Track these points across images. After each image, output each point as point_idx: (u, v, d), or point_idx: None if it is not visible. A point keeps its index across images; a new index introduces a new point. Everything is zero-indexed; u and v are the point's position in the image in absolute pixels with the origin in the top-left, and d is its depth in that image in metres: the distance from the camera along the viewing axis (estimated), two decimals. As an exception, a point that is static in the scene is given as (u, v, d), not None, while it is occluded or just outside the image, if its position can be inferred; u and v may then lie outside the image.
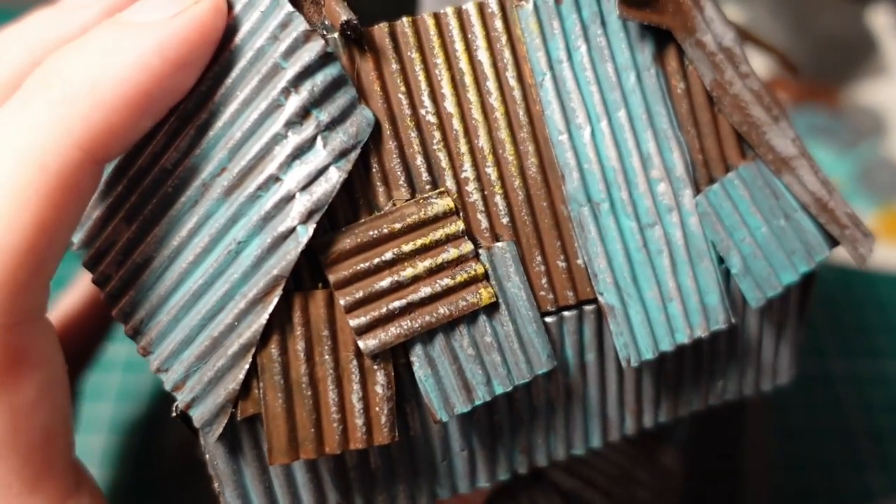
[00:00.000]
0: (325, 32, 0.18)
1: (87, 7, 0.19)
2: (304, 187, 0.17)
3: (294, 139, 0.17)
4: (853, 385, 0.42)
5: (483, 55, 0.19)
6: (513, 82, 0.19)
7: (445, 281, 0.18)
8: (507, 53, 0.19)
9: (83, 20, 0.18)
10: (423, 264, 0.18)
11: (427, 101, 0.19)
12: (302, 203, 0.17)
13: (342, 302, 0.18)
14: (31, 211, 0.15)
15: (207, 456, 0.18)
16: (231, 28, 0.18)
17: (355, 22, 0.18)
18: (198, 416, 0.18)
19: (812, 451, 0.39)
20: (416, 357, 0.18)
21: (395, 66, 0.18)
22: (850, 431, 0.40)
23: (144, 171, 0.18)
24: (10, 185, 0.15)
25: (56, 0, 0.20)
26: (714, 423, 0.35)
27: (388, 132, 0.18)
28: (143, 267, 0.18)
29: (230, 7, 0.18)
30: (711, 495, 0.35)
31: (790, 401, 0.41)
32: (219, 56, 0.18)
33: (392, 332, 0.18)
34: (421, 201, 0.19)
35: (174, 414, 0.18)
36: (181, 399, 0.18)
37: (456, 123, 0.19)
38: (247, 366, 0.17)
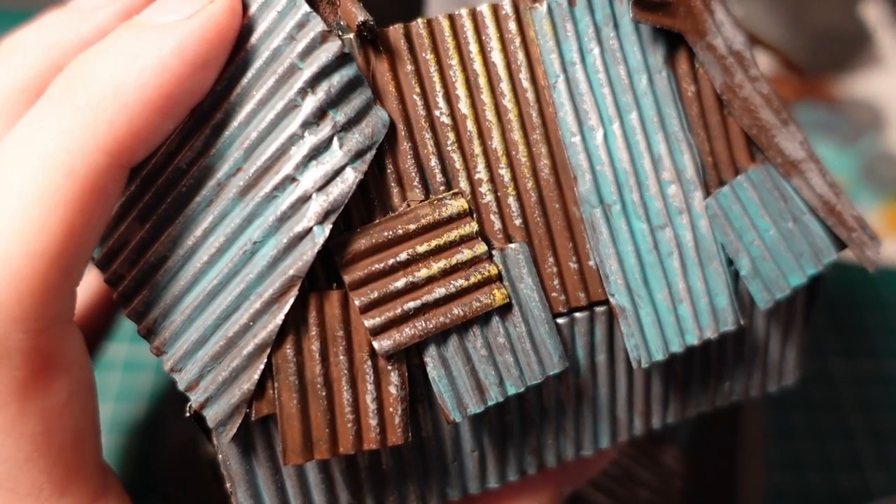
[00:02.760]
0: (340, 33, 0.18)
1: (102, 8, 0.18)
2: (321, 188, 0.17)
3: (310, 139, 0.17)
4: (853, 385, 0.42)
5: (497, 57, 0.19)
6: (526, 84, 0.19)
7: (459, 282, 0.18)
8: (520, 55, 0.19)
9: (99, 22, 0.18)
10: (437, 265, 0.18)
11: (441, 103, 0.19)
12: (318, 203, 0.17)
13: (357, 302, 0.18)
14: (60, 216, 0.15)
15: (220, 456, 0.18)
16: (247, 28, 0.18)
17: (372, 23, 0.18)
18: (211, 416, 0.18)
19: (812, 451, 0.39)
20: (430, 357, 0.18)
21: (409, 67, 0.19)
22: (850, 431, 0.40)
23: (158, 170, 0.18)
24: (39, 191, 0.15)
25: (67, 0, 0.20)
26: (712, 423, 0.35)
27: (403, 133, 0.18)
28: (156, 266, 0.18)
29: (245, 7, 0.18)
30: (711, 494, 0.36)
31: (790, 401, 0.41)
32: (234, 56, 0.18)
33: (406, 332, 0.18)
34: (435, 202, 0.19)
35: (187, 414, 0.18)
36: (195, 399, 0.18)
37: (470, 125, 0.19)
38: (262, 366, 0.17)
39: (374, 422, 0.18)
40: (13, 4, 0.51)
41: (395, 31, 0.18)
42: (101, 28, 0.18)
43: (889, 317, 0.44)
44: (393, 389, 0.18)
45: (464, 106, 0.19)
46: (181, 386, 0.18)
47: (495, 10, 0.19)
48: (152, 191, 0.18)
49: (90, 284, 0.29)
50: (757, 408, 0.38)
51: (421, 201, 0.19)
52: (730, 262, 0.21)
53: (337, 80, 0.17)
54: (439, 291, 0.18)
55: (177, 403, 0.32)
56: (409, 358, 0.18)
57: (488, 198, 0.19)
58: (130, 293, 0.18)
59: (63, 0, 0.20)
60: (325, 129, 0.17)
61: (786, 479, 0.38)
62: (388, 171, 0.18)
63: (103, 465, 0.18)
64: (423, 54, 0.19)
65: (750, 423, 0.37)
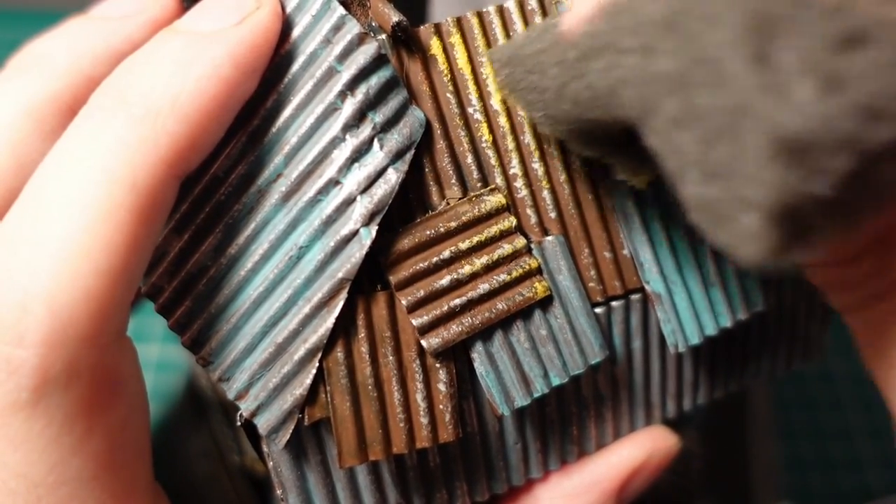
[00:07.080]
0: (372, 34, 0.18)
1: (131, 18, 0.18)
2: (365, 190, 0.17)
3: (352, 142, 0.17)
4: (853, 384, 0.41)
5: (526, 52, 0.19)
6: (555, 78, 0.20)
7: (502, 276, 0.18)
8: (548, 49, 0.19)
9: (129, 32, 0.18)
10: (479, 261, 0.18)
11: (474, 100, 0.19)
12: (363, 205, 0.17)
13: (404, 302, 0.18)
14: (125, 231, 0.15)
15: (271, 464, 0.18)
16: (282, 33, 0.18)
17: (406, 23, 0.18)
18: (263, 423, 0.18)
19: (812, 451, 0.39)
20: (477, 353, 0.19)
21: (442, 66, 0.19)
22: (850, 431, 0.40)
23: (193, 180, 0.18)
24: (103, 207, 0.15)
25: (84, 4, 0.20)
26: (721, 401, 0.35)
27: (439, 132, 0.18)
28: (197, 277, 0.18)
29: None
30: (725, 470, 0.36)
31: (790, 400, 0.40)
32: (269, 62, 0.18)
33: (454, 329, 0.18)
34: (474, 199, 0.19)
35: (239, 423, 0.18)
36: (245, 407, 0.18)
37: (502, 121, 0.19)
38: (314, 370, 0.17)
39: (425, 420, 0.18)
40: (21, 4, 0.48)
41: (426, 31, 0.19)
42: (131, 39, 0.18)
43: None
44: (442, 387, 0.18)
45: (495, 102, 0.19)
46: (230, 395, 0.18)
47: (522, 5, 0.19)
48: (189, 201, 0.18)
49: None
50: (762, 387, 0.38)
51: (460, 199, 0.19)
52: (757, 245, 0.21)
53: (375, 81, 0.17)
54: (483, 287, 0.18)
55: (197, 410, 0.32)
56: (456, 355, 0.19)
57: (523, 192, 0.19)
58: (172, 305, 0.18)
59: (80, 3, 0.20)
60: (365, 132, 0.17)
61: (786, 479, 0.38)
62: (426, 170, 0.18)
63: (155, 482, 0.18)
64: (454, 52, 0.19)
65: (756, 395, 0.37)
